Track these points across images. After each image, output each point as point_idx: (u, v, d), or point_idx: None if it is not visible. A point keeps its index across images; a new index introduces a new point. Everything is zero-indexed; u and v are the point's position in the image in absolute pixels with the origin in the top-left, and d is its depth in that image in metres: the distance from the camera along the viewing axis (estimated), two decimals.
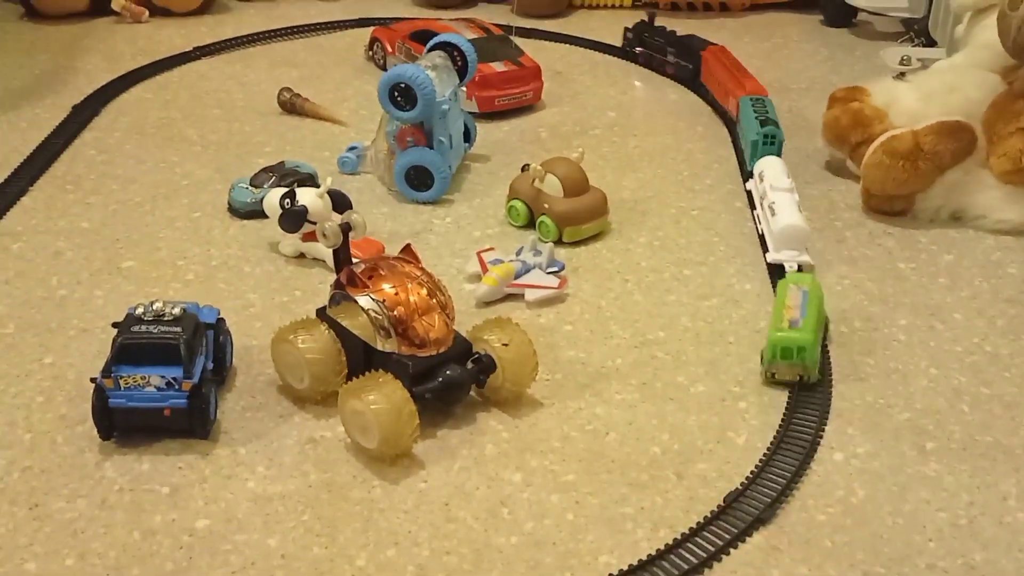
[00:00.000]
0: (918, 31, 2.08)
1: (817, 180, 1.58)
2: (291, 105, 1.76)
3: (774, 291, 1.26)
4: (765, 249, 1.34)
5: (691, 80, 1.91)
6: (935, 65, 1.68)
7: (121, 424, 1.00)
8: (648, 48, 1.98)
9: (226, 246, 1.36)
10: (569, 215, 1.38)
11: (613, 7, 2.35)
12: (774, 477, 0.98)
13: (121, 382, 0.98)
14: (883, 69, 1.87)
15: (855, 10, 2.23)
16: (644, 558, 0.89)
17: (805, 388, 1.10)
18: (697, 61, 1.89)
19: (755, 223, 1.42)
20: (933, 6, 1.98)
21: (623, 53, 2.05)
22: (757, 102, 1.62)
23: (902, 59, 1.87)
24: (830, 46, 2.16)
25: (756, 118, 1.56)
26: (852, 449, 1.02)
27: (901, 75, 1.78)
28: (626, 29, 2.05)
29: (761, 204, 1.40)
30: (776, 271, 1.30)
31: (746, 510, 0.94)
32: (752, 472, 0.98)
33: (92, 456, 0.99)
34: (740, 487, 0.96)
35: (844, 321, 1.23)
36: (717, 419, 1.06)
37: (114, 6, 2.17)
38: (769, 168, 1.43)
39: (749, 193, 1.49)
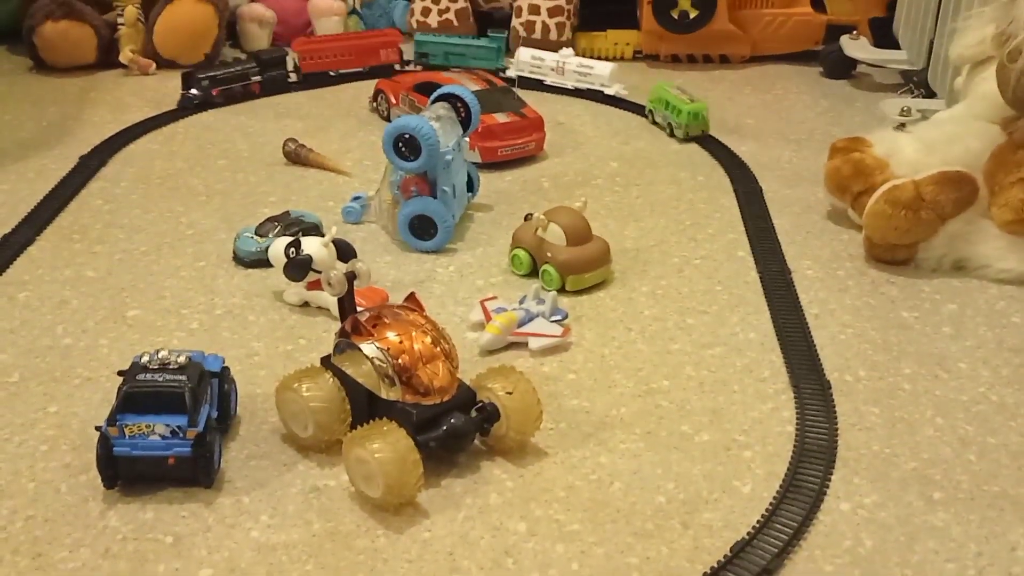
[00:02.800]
0: (918, 83, 2.10)
1: (819, 230, 1.58)
2: (296, 156, 1.78)
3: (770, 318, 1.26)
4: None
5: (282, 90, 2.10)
6: (935, 116, 1.70)
7: (125, 473, 0.99)
8: (220, 83, 2.03)
9: (231, 295, 1.37)
10: (572, 264, 1.39)
11: (613, 59, 2.37)
12: (781, 527, 0.97)
13: (126, 430, 0.98)
14: (883, 120, 1.89)
15: (854, 62, 2.26)
16: None
17: (810, 432, 1.10)
18: (283, 66, 2.10)
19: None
20: (932, 58, 2.01)
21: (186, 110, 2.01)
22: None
23: (902, 110, 1.89)
24: (830, 97, 2.18)
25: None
26: (859, 499, 1.02)
27: (902, 126, 1.80)
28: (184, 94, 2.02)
29: (577, 74, 2.12)
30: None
31: (753, 560, 0.93)
32: (758, 522, 0.98)
33: (96, 505, 0.99)
34: (747, 537, 0.96)
35: (848, 370, 1.23)
36: (722, 468, 1.06)
37: (121, 58, 2.20)
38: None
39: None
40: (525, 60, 2.15)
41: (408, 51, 2.25)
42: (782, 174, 1.78)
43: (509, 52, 2.25)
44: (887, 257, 1.47)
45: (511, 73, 2.13)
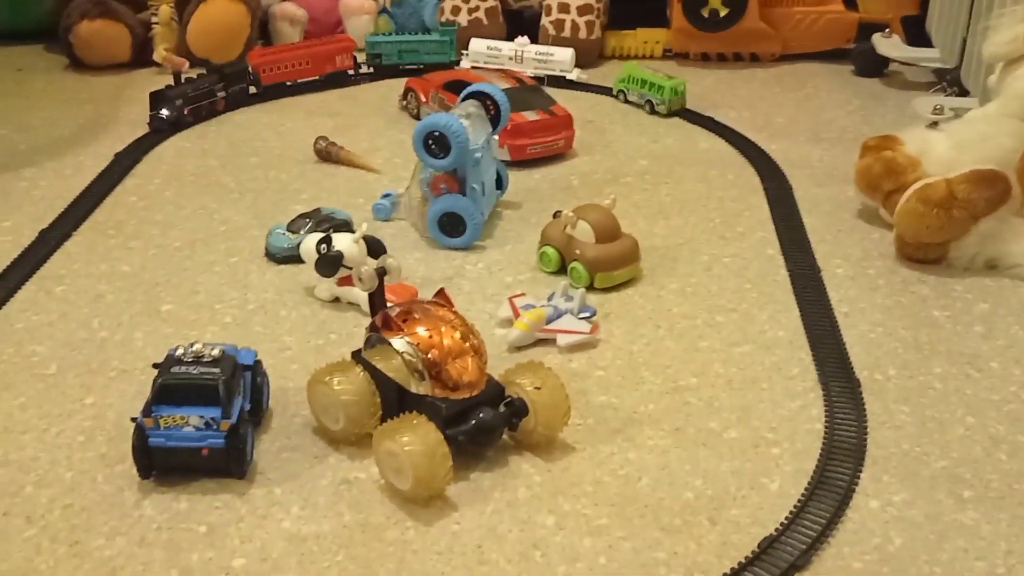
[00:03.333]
0: (950, 81, 2.09)
1: (849, 229, 1.58)
2: (327, 153, 1.79)
3: (801, 321, 1.26)
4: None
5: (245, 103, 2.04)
6: (968, 114, 1.69)
7: (160, 463, 1.01)
8: (191, 101, 1.93)
9: (263, 290, 1.38)
10: (601, 261, 1.39)
11: (643, 57, 2.38)
12: (809, 524, 0.97)
13: (161, 422, 0.99)
14: (915, 119, 1.87)
15: (887, 60, 2.25)
16: None
17: (839, 430, 1.10)
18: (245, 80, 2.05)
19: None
20: (965, 56, 1.99)
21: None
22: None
23: (935, 108, 1.88)
24: (862, 96, 2.17)
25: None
26: (888, 497, 1.02)
27: (934, 124, 1.79)
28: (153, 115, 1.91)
29: (536, 61, 2.15)
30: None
31: (781, 556, 0.93)
32: (786, 518, 0.98)
33: (131, 495, 1.00)
34: (774, 533, 0.96)
35: (878, 368, 1.23)
36: (751, 465, 1.06)
37: (155, 57, 2.23)
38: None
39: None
40: (480, 51, 2.15)
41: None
42: (812, 173, 1.78)
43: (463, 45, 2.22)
44: (918, 256, 1.47)
45: (465, 64, 2.14)
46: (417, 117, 1.96)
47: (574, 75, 2.13)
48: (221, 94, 1.96)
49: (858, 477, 1.04)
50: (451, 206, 1.48)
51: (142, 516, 0.98)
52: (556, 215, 1.44)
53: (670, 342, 1.28)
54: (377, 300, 1.14)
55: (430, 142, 1.44)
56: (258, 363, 1.11)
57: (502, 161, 1.67)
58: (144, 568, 0.92)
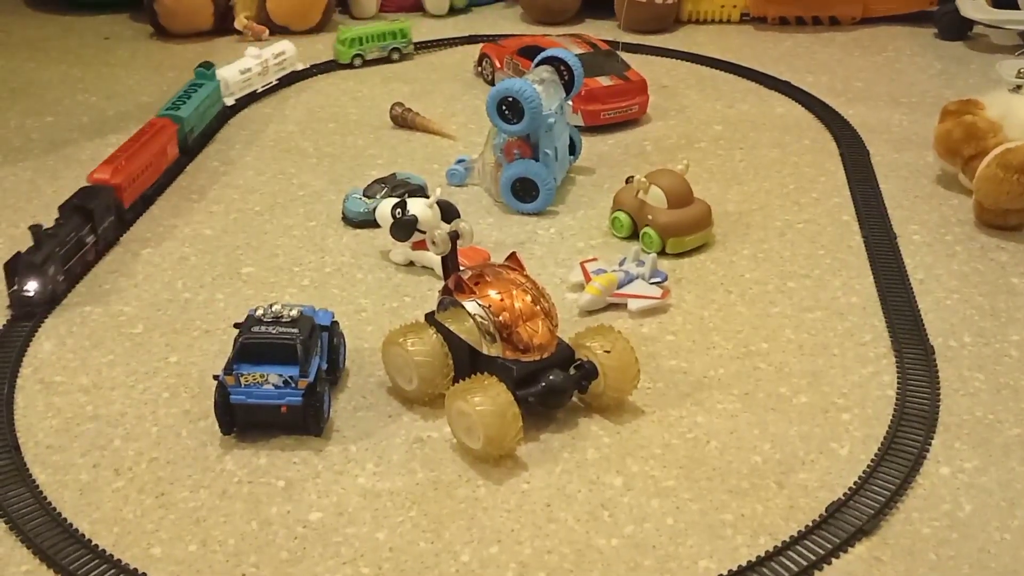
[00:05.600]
0: None
1: (928, 194, 1.55)
2: (402, 119, 1.82)
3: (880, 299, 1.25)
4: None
5: None
6: None
7: (241, 420, 1.05)
8: (62, 262, 1.29)
9: (339, 254, 1.41)
10: (673, 226, 1.39)
11: (720, 22, 2.35)
12: (878, 489, 0.97)
13: (242, 380, 1.03)
14: (998, 83, 1.83)
15: (971, 23, 2.19)
16: (744, 564, 0.89)
17: (911, 397, 1.09)
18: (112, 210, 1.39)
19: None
20: None
21: None
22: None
23: (1019, 72, 1.82)
24: (943, 59, 2.12)
25: None
26: (959, 463, 1.01)
27: (1017, 88, 1.74)
28: None
29: (277, 66, 2.00)
30: None
31: (849, 520, 0.93)
32: (855, 483, 0.98)
33: (213, 450, 1.04)
34: (842, 497, 0.96)
35: (953, 335, 1.21)
36: (820, 430, 1.06)
37: (237, 25, 2.27)
38: None
39: None
40: (235, 81, 1.89)
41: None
42: (891, 138, 1.75)
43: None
44: (998, 222, 1.44)
45: (227, 101, 1.87)
46: (492, 83, 1.97)
47: (298, 66, 2.04)
48: (91, 239, 1.36)
49: (929, 444, 1.03)
50: (524, 171, 1.49)
51: (224, 470, 1.02)
52: (629, 180, 1.44)
53: (741, 307, 1.28)
54: (450, 263, 1.16)
55: (504, 107, 1.45)
56: (335, 324, 1.14)
57: (575, 127, 1.67)
58: (226, 519, 0.95)
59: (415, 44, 2.17)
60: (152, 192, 1.55)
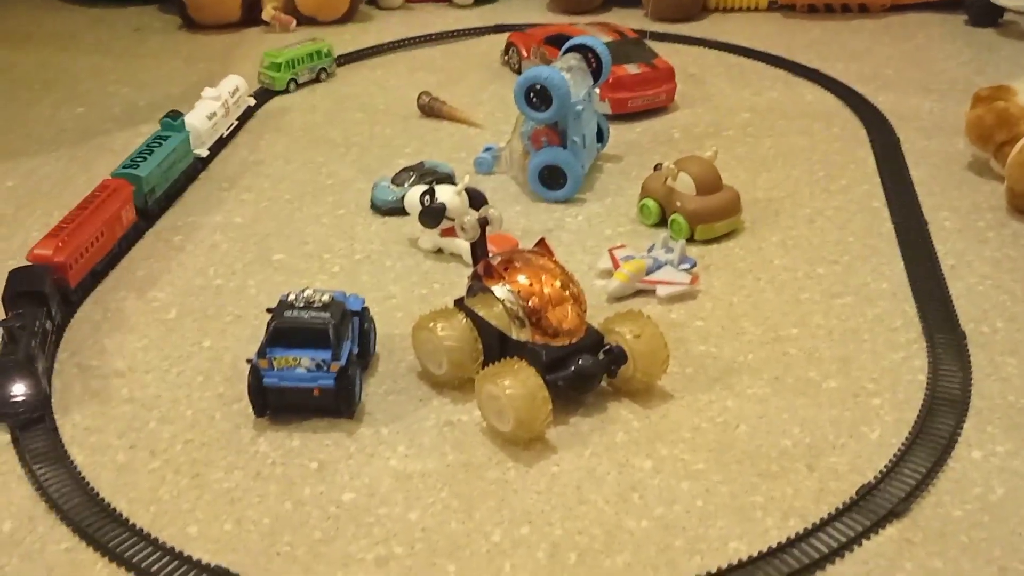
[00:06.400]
0: None
1: (958, 181, 1.55)
2: (430, 108, 1.82)
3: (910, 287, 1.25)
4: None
5: None
6: None
7: (274, 402, 1.06)
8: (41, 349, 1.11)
9: (369, 241, 1.42)
10: (701, 213, 1.39)
11: (748, 10, 2.34)
12: (909, 472, 0.97)
13: (275, 363, 1.04)
14: None
15: (1002, 9, 2.17)
16: (774, 546, 0.89)
17: (942, 381, 1.09)
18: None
19: None
20: None
21: None
22: None
23: None
24: (974, 46, 2.11)
25: None
26: (991, 447, 1.01)
27: None
28: None
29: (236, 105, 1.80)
30: None
31: (879, 503, 0.93)
32: (886, 466, 0.98)
33: (247, 432, 1.06)
34: (873, 480, 0.96)
35: (985, 321, 1.21)
36: (850, 414, 1.06)
37: (264, 16, 2.29)
38: None
39: None
40: (205, 129, 1.67)
41: None
42: (921, 125, 1.74)
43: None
44: None
45: (200, 152, 1.65)
46: (519, 72, 1.97)
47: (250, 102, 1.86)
48: (49, 325, 1.17)
49: (961, 428, 1.03)
50: (552, 159, 1.50)
51: (257, 452, 1.03)
52: (657, 167, 1.44)
53: (770, 294, 1.28)
54: (479, 249, 1.16)
55: (531, 95, 1.46)
56: (366, 309, 1.15)
57: (603, 115, 1.67)
58: (260, 499, 0.97)
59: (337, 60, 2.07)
60: (103, 267, 1.33)
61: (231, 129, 1.76)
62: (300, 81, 1.97)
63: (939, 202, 1.49)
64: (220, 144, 1.71)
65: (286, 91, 1.94)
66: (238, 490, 0.98)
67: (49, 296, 1.18)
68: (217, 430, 1.06)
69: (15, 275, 1.19)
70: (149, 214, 1.47)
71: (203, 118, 1.67)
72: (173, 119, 1.58)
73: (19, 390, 1.07)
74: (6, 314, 1.15)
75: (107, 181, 1.40)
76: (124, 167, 1.45)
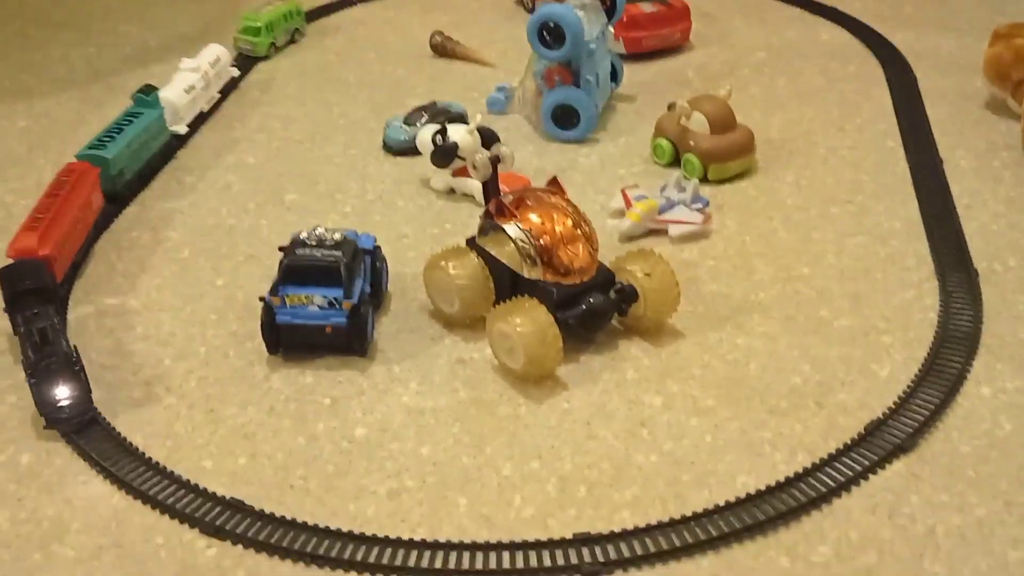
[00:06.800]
0: None
1: (975, 120, 1.53)
2: (442, 48, 1.81)
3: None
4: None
5: None
6: None
7: (287, 340, 1.07)
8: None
9: (381, 181, 1.42)
10: (715, 152, 1.38)
11: None
12: (918, 408, 0.97)
13: (287, 300, 1.05)
14: None
15: None
16: (782, 480, 0.90)
17: (954, 319, 1.09)
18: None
19: None
20: None
21: None
22: None
23: None
24: None
25: None
26: (1001, 384, 1.01)
27: None
28: None
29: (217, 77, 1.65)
30: None
31: (887, 438, 0.94)
32: (895, 402, 0.98)
33: (260, 369, 1.07)
34: (882, 416, 0.97)
35: (998, 259, 1.20)
36: (860, 352, 1.06)
37: None
38: None
39: None
40: (183, 104, 1.54)
41: None
42: (939, 63, 1.72)
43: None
44: None
45: (178, 129, 1.53)
46: (532, 11, 1.95)
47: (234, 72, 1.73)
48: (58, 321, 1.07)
49: (971, 365, 1.03)
50: (565, 98, 1.49)
51: (271, 388, 1.04)
52: (670, 106, 1.43)
53: (783, 233, 1.28)
54: (491, 188, 1.16)
55: (544, 32, 1.44)
56: (377, 248, 1.15)
57: (617, 54, 1.66)
58: (274, 434, 0.98)
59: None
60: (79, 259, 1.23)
61: (213, 104, 1.63)
62: (279, 45, 1.85)
63: (955, 141, 1.47)
64: (201, 119, 1.59)
65: (267, 57, 1.82)
66: (252, 425, 0.99)
67: (53, 290, 1.10)
68: (231, 367, 1.07)
69: (10, 272, 1.10)
70: (119, 198, 1.36)
71: (180, 92, 1.55)
72: (146, 94, 1.47)
73: (65, 394, 0.99)
74: (10, 313, 1.08)
75: (71, 165, 1.29)
76: (90, 147, 1.35)
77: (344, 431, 0.98)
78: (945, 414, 0.97)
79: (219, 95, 1.66)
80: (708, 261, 1.23)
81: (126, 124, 1.41)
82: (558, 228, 1.07)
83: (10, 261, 1.12)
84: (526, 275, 1.07)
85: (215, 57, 1.67)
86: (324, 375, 1.06)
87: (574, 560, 0.84)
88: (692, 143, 1.39)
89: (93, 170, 1.30)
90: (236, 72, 1.73)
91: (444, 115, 1.48)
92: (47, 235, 1.15)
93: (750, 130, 1.42)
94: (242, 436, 0.98)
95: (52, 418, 0.98)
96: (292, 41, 1.88)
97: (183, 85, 1.56)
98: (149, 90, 1.48)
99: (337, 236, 1.08)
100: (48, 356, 1.02)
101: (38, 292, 1.09)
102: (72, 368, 1.01)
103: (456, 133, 1.35)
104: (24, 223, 1.16)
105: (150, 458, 0.95)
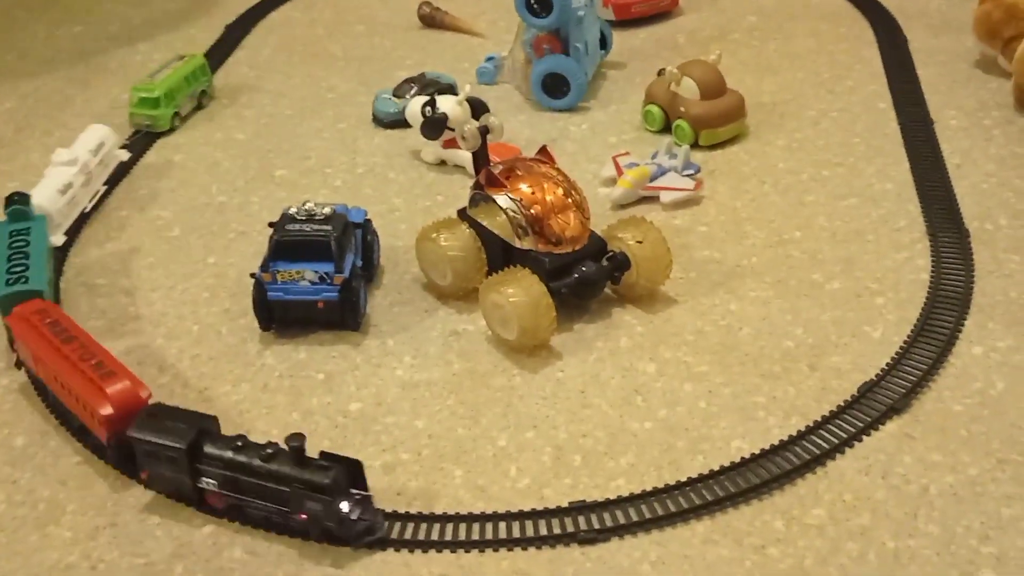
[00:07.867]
0: None
1: (965, 79, 1.52)
2: (431, 19, 1.80)
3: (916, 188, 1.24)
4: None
5: None
6: None
7: (279, 316, 1.07)
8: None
9: (371, 154, 1.42)
10: (706, 118, 1.38)
11: None
12: (910, 369, 0.98)
13: (278, 276, 1.05)
14: None
15: None
16: (776, 443, 0.91)
17: (945, 280, 1.09)
18: None
19: None
20: None
21: None
22: None
23: None
24: None
25: None
26: (992, 343, 1.01)
27: None
28: None
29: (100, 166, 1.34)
30: None
31: (880, 400, 0.94)
32: (887, 364, 0.99)
33: (254, 346, 1.07)
34: (874, 378, 0.97)
35: (989, 218, 1.20)
36: (853, 314, 1.07)
37: None
38: None
39: None
40: (58, 208, 1.24)
41: None
42: (930, 23, 1.71)
43: None
44: None
45: (55, 240, 1.23)
46: None
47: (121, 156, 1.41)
48: None
49: (962, 325, 1.03)
50: (554, 66, 1.48)
51: (264, 365, 1.04)
52: (660, 73, 1.42)
53: (775, 197, 1.28)
54: (481, 158, 1.16)
55: (532, 1, 1.43)
56: (368, 221, 1.15)
57: (606, 20, 1.64)
58: (268, 411, 0.98)
59: None
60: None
61: (96, 199, 1.33)
62: (183, 114, 1.53)
63: (945, 100, 1.47)
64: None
65: (172, 129, 1.50)
66: (246, 402, 0.99)
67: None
68: (224, 344, 1.07)
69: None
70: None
71: (53, 193, 1.25)
72: (23, 204, 1.17)
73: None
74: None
75: (31, 304, 1.02)
76: (12, 285, 1.06)
77: (339, 406, 0.98)
78: (937, 374, 0.97)
79: (105, 187, 1.35)
80: (700, 227, 1.23)
81: (23, 247, 1.12)
82: (549, 197, 1.07)
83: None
84: (518, 245, 1.07)
85: (97, 142, 1.36)
86: (318, 350, 1.06)
87: (570, 528, 0.84)
88: (683, 109, 1.39)
89: (53, 304, 1.05)
90: (126, 156, 1.42)
91: (433, 86, 1.47)
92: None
93: (741, 95, 1.41)
94: (237, 413, 0.98)
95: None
96: (200, 107, 1.56)
97: (57, 186, 1.27)
98: (23, 201, 1.18)
99: (327, 210, 1.08)
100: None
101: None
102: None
103: (445, 104, 1.34)
104: (92, 377, 0.92)
105: None
